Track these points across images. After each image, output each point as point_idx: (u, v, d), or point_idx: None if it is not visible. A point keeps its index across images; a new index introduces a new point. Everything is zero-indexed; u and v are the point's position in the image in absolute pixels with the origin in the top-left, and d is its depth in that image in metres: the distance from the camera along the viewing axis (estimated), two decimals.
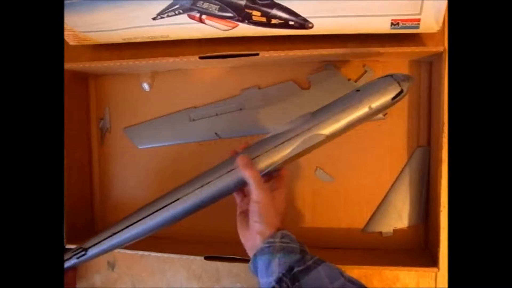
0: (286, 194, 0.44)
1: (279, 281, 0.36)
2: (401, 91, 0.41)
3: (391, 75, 0.41)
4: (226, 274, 0.62)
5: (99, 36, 0.54)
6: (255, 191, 0.39)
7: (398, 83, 0.41)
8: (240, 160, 0.41)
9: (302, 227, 0.57)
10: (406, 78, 0.41)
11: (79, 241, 0.56)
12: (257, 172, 0.40)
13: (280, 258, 0.36)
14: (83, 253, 0.48)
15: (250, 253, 0.40)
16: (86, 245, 0.48)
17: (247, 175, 0.40)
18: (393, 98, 0.41)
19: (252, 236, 0.40)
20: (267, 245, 0.38)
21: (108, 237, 0.47)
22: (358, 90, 0.42)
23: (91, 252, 0.48)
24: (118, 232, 0.47)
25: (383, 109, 0.41)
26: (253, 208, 0.40)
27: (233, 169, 0.42)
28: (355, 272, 0.57)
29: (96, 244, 0.48)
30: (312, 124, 0.42)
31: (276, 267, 0.36)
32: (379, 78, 0.42)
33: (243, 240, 0.42)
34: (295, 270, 0.36)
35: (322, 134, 0.41)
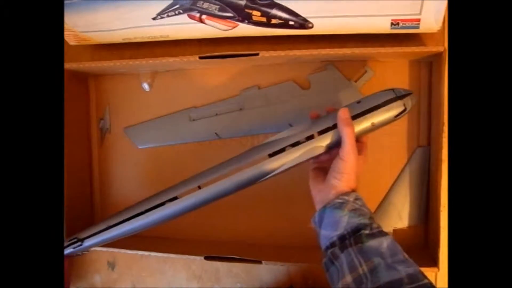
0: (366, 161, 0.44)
1: (341, 237, 0.37)
2: (405, 110, 0.41)
3: (393, 90, 0.41)
4: (226, 274, 0.62)
5: (99, 36, 0.54)
6: (346, 150, 0.39)
7: (402, 101, 0.41)
8: (342, 114, 0.40)
9: (302, 227, 0.57)
10: (408, 94, 0.41)
11: None
12: (353, 132, 0.40)
13: (350, 217, 0.37)
14: (79, 243, 0.48)
15: (318, 206, 0.41)
16: (81, 236, 0.48)
17: (345, 131, 0.39)
18: (396, 116, 0.41)
19: (326, 190, 0.40)
20: (340, 200, 0.38)
21: (105, 229, 0.48)
22: (359, 102, 0.42)
23: (87, 243, 0.48)
24: (115, 225, 0.47)
25: (384, 124, 0.41)
26: (338, 165, 0.39)
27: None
28: None
29: (92, 235, 0.48)
30: (310, 134, 0.42)
31: (343, 224, 0.37)
32: (381, 92, 0.42)
33: (314, 191, 0.43)
34: (361, 232, 0.36)
35: (321, 147, 0.41)
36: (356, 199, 0.39)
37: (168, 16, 0.50)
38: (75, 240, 0.49)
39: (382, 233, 0.37)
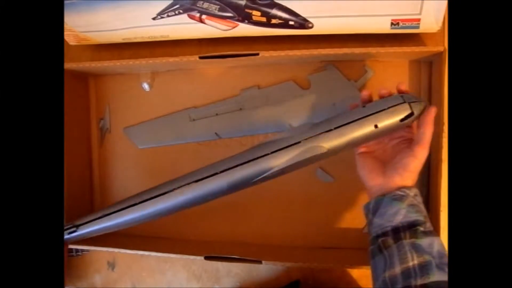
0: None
1: (395, 229, 0.37)
2: (411, 114, 0.40)
3: (401, 96, 0.41)
4: (226, 274, 0.62)
5: (99, 36, 0.54)
6: (420, 147, 0.39)
7: (409, 104, 0.40)
8: (433, 112, 0.40)
9: (302, 227, 0.57)
10: (418, 100, 0.40)
11: (79, 242, 0.56)
12: (432, 132, 0.39)
13: (408, 211, 0.37)
14: (74, 229, 0.49)
15: (374, 193, 0.41)
16: (77, 222, 0.48)
17: (428, 129, 0.39)
18: (402, 120, 0.40)
19: (386, 180, 0.40)
20: (401, 193, 0.38)
21: (101, 217, 0.48)
22: (364, 106, 0.41)
23: (82, 230, 0.48)
24: (112, 213, 0.47)
25: (391, 130, 0.40)
26: (407, 162, 0.39)
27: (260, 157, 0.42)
28: (355, 272, 0.57)
29: (87, 222, 0.48)
30: (312, 134, 0.41)
31: (400, 217, 0.37)
32: (389, 97, 0.41)
33: (370, 183, 0.42)
34: (416, 228, 0.37)
35: (322, 147, 0.41)
36: (416, 195, 0.39)
37: (168, 16, 0.50)
38: (70, 225, 0.49)
39: (434, 233, 0.37)
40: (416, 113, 0.40)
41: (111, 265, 0.66)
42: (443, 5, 0.44)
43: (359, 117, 0.40)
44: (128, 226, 0.48)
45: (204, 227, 0.61)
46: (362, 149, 0.45)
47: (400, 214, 0.37)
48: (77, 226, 0.49)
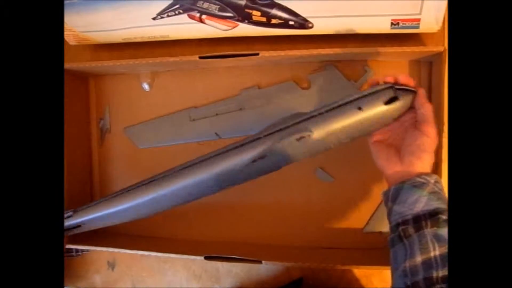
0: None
1: (417, 217, 0.36)
2: (395, 98, 0.40)
3: (391, 83, 0.41)
4: (226, 274, 0.62)
5: (99, 36, 0.54)
6: (426, 125, 0.39)
7: (394, 90, 0.40)
8: (421, 93, 0.40)
9: (302, 227, 0.57)
10: (407, 88, 0.40)
11: (79, 242, 0.56)
12: (431, 109, 0.40)
13: (430, 199, 0.36)
14: (70, 213, 0.50)
15: (393, 180, 0.40)
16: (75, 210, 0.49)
17: (425, 108, 0.39)
18: (386, 103, 0.40)
19: (404, 166, 0.39)
20: (422, 180, 0.37)
21: (98, 203, 0.49)
22: (360, 108, 0.41)
23: (78, 216, 0.49)
24: (108, 199, 0.48)
25: (378, 116, 0.40)
26: (421, 142, 0.38)
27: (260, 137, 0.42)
28: (355, 272, 0.57)
29: (84, 208, 0.49)
30: (299, 120, 0.41)
31: (421, 205, 0.36)
32: (379, 84, 0.41)
33: (388, 171, 0.41)
34: (438, 216, 0.35)
35: (309, 131, 0.40)
36: (437, 182, 0.38)
37: (168, 16, 0.50)
38: (68, 212, 0.50)
39: None
40: (402, 98, 0.40)
41: (111, 265, 0.66)
42: (443, 5, 0.44)
43: (344, 101, 0.41)
44: (125, 218, 0.49)
45: (204, 227, 0.60)
46: (375, 138, 0.43)
47: (421, 202, 0.36)
48: (74, 211, 0.49)
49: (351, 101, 0.40)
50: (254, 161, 0.42)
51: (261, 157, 0.42)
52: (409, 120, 0.42)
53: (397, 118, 0.41)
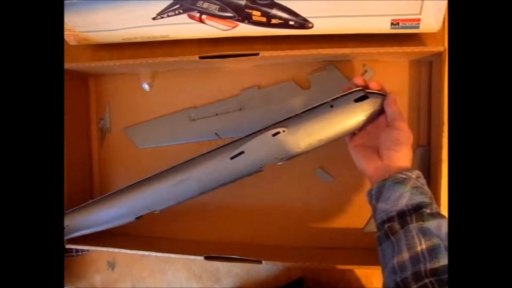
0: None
1: (401, 213, 0.36)
2: (365, 97, 0.42)
3: (367, 97, 0.43)
4: (226, 274, 0.62)
5: (99, 36, 0.54)
6: (396, 121, 0.40)
7: (364, 91, 0.42)
8: (390, 95, 0.42)
9: (302, 227, 0.57)
10: (377, 92, 0.43)
11: (79, 242, 0.56)
12: (395, 102, 0.42)
13: (412, 194, 0.37)
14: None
15: (375, 179, 0.40)
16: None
17: (391, 108, 0.41)
18: (356, 100, 0.42)
19: (385, 164, 0.40)
20: (403, 176, 0.38)
21: (88, 205, 0.50)
22: (331, 106, 0.43)
23: (69, 220, 0.50)
24: (96, 201, 0.49)
25: (348, 113, 0.42)
26: (393, 135, 0.40)
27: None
28: (355, 272, 0.57)
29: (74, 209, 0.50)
30: (276, 122, 0.43)
31: (405, 200, 0.37)
32: (356, 100, 0.43)
33: (370, 170, 0.41)
34: (422, 210, 0.36)
35: (284, 127, 0.43)
36: (418, 177, 0.38)
37: (168, 16, 0.50)
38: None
39: (441, 215, 0.36)
40: (371, 98, 0.42)
41: (111, 265, 0.66)
42: (443, 5, 0.44)
43: (318, 103, 0.43)
44: (115, 221, 0.50)
45: (204, 227, 0.60)
46: (354, 143, 0.45)
47: (404, 198, 0.37)
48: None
49: (324, 103, 0.43)
50: (232, 157, 0.44)
51: (239, 153, 0.43)
52: (382, 122, 0.43)
53: (370, 120, 0.43)
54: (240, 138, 0.45)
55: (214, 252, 0.51)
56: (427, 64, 0.53)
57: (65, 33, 0.54)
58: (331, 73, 0.55)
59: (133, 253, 0.54)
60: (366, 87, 0.43)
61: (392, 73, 0.54)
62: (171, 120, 0.60)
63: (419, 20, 0.46)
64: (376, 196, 0.39)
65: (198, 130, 0.59)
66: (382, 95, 0.43)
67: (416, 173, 0.38)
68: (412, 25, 0.47)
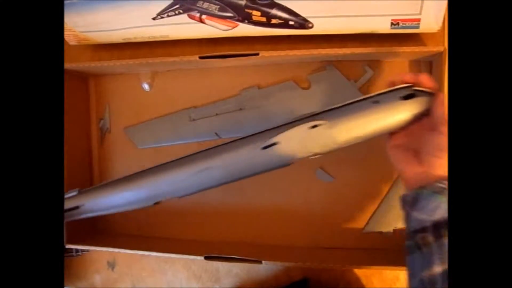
0: None
1: (436, 225, 0.35)
2: (413, 95, 0.39)
3: (412, 85, 0.40)
4: (226, 274, 0.62)
5: (99, 36, 0.54)
6: (444, 126, 0.37)
7: (413, 89, 0.39)
8: (439, 96, 0.39)
9: (302, 227, 0.57)
10: (425, 91, 0.40)
11: (79, 242, 0.56)
12: (443, 110, 0.39)
13: None
14: (74, 193, 0.49)
15: (412, 185, 0.38)
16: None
17: (438, 110, 0.38)
18: (403, 98, 0.39)
19: (424, 167, 0.38)
20: (442, 185, 0.36)
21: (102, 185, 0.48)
22: (377, 102, 0.40)
23: (84, 199, 0.48)
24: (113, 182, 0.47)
25: (394, 111, 0.39)
26: (438, 141, 0.37)
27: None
28: (355, 272, 0.57)
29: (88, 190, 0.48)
30: (314, 113, 0.41)
31: (442, 211, 0.35)
32: (403, 97, 0.40)
33: (408, 174, 0.39)
34: None
35: (324, 120, 0.40)
36: None
37: (168, 16, 0.50)
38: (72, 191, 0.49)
39: None
40: (419, 96, 0.39)
41: (111, 265, 0.66)
42: (443, 5, 0.44)
43: (361, 98, 0.40)
44: (133, 205, 0.48)
45: (204, 227, 0.60)
46: (393, 142, 0.42)
47: (441, 209, 0.35)
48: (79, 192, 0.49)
49: (368, 97, 0.40)
50: (265, 147, 0.41)
51: (273, 143, 0.41)
52: (427, 124, 0.41)
53: (415, 120, 0.40)
54: (274, 128, 0.41)
55: (214, 252, 0.51)
56: (427, 64, 0.53)
57: (65, 33, 0.54)
58: (331, 73, 0.55)
59: (133, 253, 0.54)
60: (415, 83, 0.40)
61: (392, 73, 0.54)
62: (171, 120, 0.60)
63: (419, 20, 0.46)
64: (411, 203, 0.38)
65: (198, 130, 0.59)
66: (431, 93, 0.40)
67: None
68: (412, 25, 0.47)
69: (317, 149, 0.41)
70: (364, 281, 0.57)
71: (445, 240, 0.34)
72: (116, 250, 0.56)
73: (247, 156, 0.42)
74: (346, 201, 0.56)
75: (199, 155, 0.44)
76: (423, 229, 0.36)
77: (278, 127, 0.41)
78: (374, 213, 0.55)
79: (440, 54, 0.46)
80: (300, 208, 0.57)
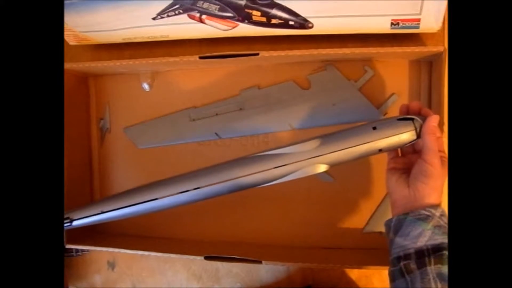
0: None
1: (420, 252, 0.35)
2: (410, 119, 0.40)
3: (412, 120, 0.40)
4: (226, 274, 0.62)
5: (99, 36, 0.54)
6: (430, 155, 0.38)
7: (416, 130, 0.40)
8: (433, 121, 0.39)
9: (302, 227, 0.57)
10: (421, 119, 0.40)
11: (79, 242, 0.56)
12: (435, 140, 0.39)
13: (434, 233, 0.35)
14: (68, 223, 0.49)
15: (397, 209, 0.39)
16: (73, 216, 0.49)
17: (427, 139, 0.39)
18: (399, 119, 0.40)
19: (412, 195, 0.38)
20: (427, 212, 0.36)
21: (96, 214, 0.48)
22: (374, 128, 0.41)
23: (77, 223, 0.49)
24: (108, 211, 0.47)
25: (388, 133, 0.41)
26: (424, 168, 0.37)
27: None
28: (355, 272, 0.57)
29: (82, 218, 0.49)
30: (319, 154, 0.42)
31: (425, 239, 0.35)
32: (399, 119, 0.41)
33: (395, 195, 0.40)
34: (442, 252, 0.34)
35: (326, 165, 0.42)
36: (442, 215, 0.37)
37: (168, 16, 0.50)
38: (67, 219, 0.50)
39: None
40: (416, 122, 0.40)
41: (111, 265, 0.66)
42: (443, 5, 0.44)
43: (367, 141, 0.41)
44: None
45: (204, 227, 0.60)
46: (390, 166, 0.43)
47: (424, 236, 0.35)
48: (72, 221, 0.49)
49: (376, 141, 0.41)
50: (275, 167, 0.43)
51: (279, 165, 0.43)
52: (419, 148, 0.42)
53: (409, 144, 0.41)
54: (271, 169, 0.43)
55: (214, 252, 0.51)
56: (427, 64, 0.53)
57: (65, 33, 0.54)
58: (331, 73, 0.55)
59: (133, 253, 0.54)
60: (417, 112, 0.42)
61: (392, 73, 0.54)
62: (171, 120, 0.60)
63: (419, 20, 0.46)
64: (395, 229, 0.38)
65: (198, 130, 0.59)
66: (423, 120, 0.40)
67: (440, 211, 0.37)
68: (412, 25, 0.47)
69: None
70: (364, 281, 0.57)
71: (428, 269, 0.34)
72: (116, 250, 0.56)
73: (251, 178, 0.43)
74: (346, 201, 0.56)
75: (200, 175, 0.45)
76: (406, 256, 0.36)
77: (277, 167, 0.43)
78: (374, 213, 0.55)
79: (440, 54, 0.46)
80: (300, 208, 0.57)
